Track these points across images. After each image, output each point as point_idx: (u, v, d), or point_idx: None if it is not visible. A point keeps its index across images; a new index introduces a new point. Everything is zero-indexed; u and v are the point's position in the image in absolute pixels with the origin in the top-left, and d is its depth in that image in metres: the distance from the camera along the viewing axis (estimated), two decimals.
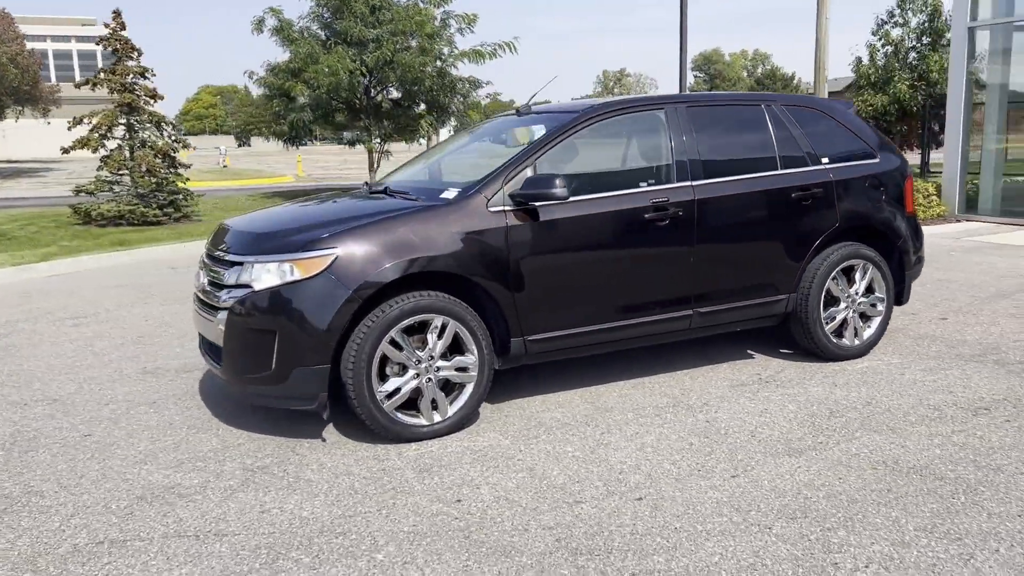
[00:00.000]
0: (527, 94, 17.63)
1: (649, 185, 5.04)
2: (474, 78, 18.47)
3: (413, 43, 17.37)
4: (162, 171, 14.96)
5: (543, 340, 4.78)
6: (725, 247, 5.23)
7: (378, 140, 18.39)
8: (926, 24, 23.70)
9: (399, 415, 4.44)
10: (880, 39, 24.41)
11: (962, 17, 12.28)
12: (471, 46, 18.35)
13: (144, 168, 14.67)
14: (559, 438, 4.48)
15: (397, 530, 3.50)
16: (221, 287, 4.53)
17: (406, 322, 4.38)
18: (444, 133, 21.12)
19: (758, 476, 3.93)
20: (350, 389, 4.33)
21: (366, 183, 5.93)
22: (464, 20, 18.27)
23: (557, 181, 4.52)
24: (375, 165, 18.85)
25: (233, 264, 4.51)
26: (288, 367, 4.29)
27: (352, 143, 19.31)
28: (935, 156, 24.40)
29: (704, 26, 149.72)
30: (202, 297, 4.76)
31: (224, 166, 42.19)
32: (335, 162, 46.20)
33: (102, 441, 4.63)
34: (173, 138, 15.59)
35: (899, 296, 5.98)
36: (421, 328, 4.46)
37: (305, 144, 19.89)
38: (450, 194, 4.72)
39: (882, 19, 24.52)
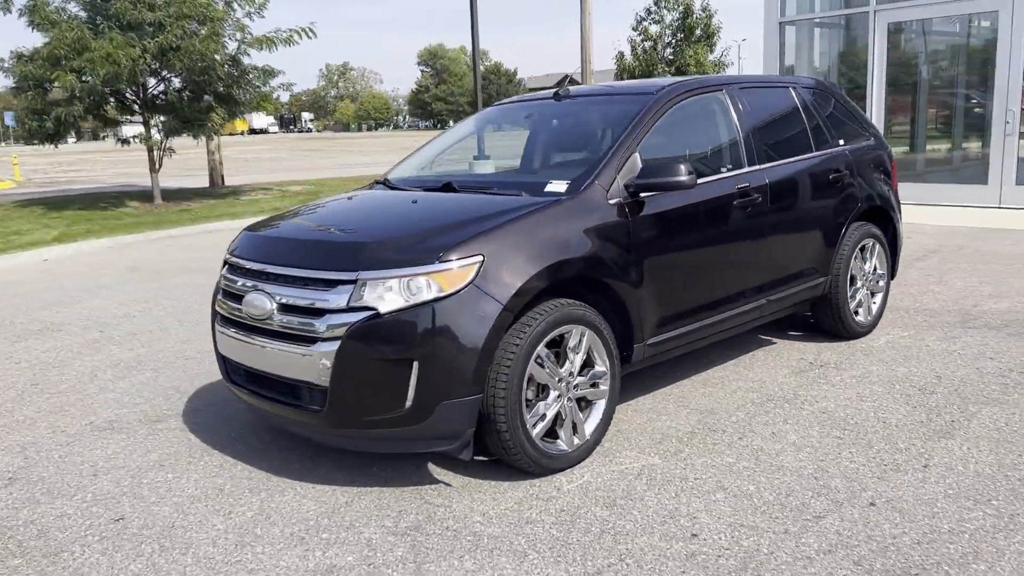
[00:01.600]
0: None
1: (729, 170, 4.79)
2: (269, 67, 17.01)
3: (202, 29, 15.62)
4: None
5: (660, 342, 4.36)
6: (787, 232, 5.11)
7: (160, 135, 16.35)
8: (679, 21, 25.57)
9: (546, 444, 3.83)
10: (640, 34, 25.97)
11: (774, 13, 13.27)
12: (262, 33, 16.88)
13: None
14: (705, 449, 4.09)
15: None
16: (318, 312, 3.62)
17: (550, 336, 3.77)
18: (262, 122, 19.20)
19: (947, 462, 3.83)
20: (500, 421, 3.64)
21: (385, 180, 5.08)
22: (250, 3, 16.76)
23: (682, 167, 4.11)
24: (156, 166, 16.73)
25: (337, 283, 3.61)
26: (431, 402, 3.51)
27: (126, 141, 16.96)
28: None
29: (428, 21, 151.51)
30: (271, 327, 3.78)
31: None
32: (71, 161, 40.68)
33: (156, 527, 3.53)
34: None
35: (893, 270, 6.24)
36: (555, 342, 3.86)
37: (65, 143, 17.21)
38: (559, 186, 4.14)
39: (640, 16, 26.10)
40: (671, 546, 3.19)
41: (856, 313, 5.80)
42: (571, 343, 3.87)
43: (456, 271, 3.52)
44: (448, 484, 3.83)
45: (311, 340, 3.64)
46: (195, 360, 5.95)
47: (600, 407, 4.05)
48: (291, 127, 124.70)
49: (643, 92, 4.74)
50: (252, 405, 4.12)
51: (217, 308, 4.20)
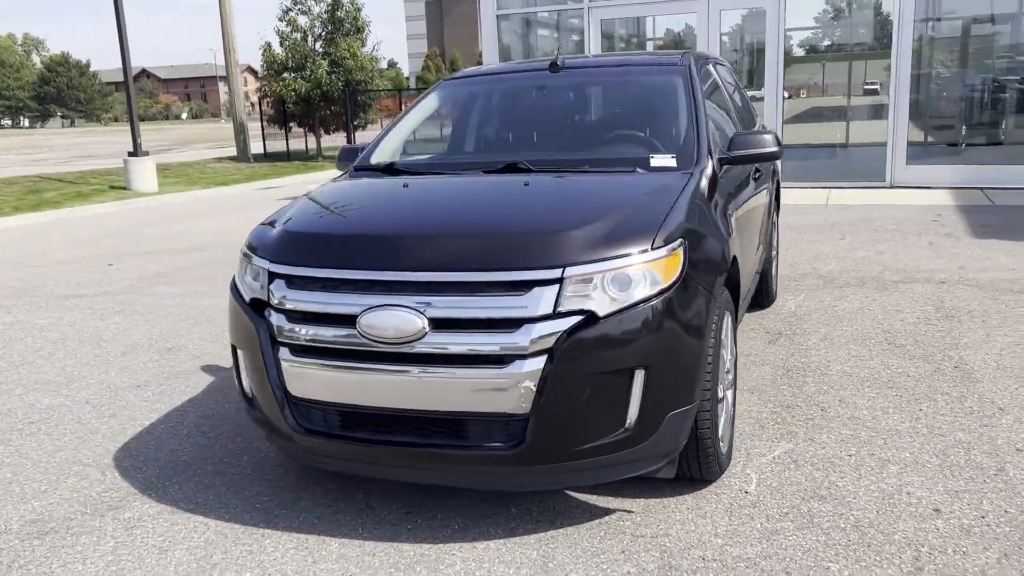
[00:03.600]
0: None
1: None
2: None
3: None
4: None
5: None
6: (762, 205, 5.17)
7: None
8: (328, 13, 24.87)
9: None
10: (288, 25, 24.80)
11: (491, 6, 13.47)
12: None
13: None
14: (816, 426, 3.99)
15: None
16: (510, 323, 2.81)
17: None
18: None
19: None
20: (706, 425, 3.17)
21: (389, 165, 4.10)
22: None
23: (770, 137, 3.93)
24: None
25: (531, 284, 2.83)
26: (658, 416, 2.93)
27: None
28: (359, 138, 26.00)
29: None
30: (418, 350, 2.87)
31: None
32: None
33: None
34: None
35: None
36: None
37: None
38: (665, 160, 3.71)
39: (287, 6, 24.92)
40: (934, 525, 3.04)
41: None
42: (724, 331, 3.51)
43: (669, 259, 2.98)
44: (629, 511, 3.26)
45: (499, 360, 2.83)
46: None
47: (729, 399, 3.73)
48: None
49: (668, 63, 4.47)
50: (368, 464, 3.12)
51: (286, 339, 3.08)
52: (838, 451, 3.68)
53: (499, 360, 2.83)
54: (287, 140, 25.63)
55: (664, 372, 2.91)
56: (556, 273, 2.83)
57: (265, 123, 26.08)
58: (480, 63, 38.51)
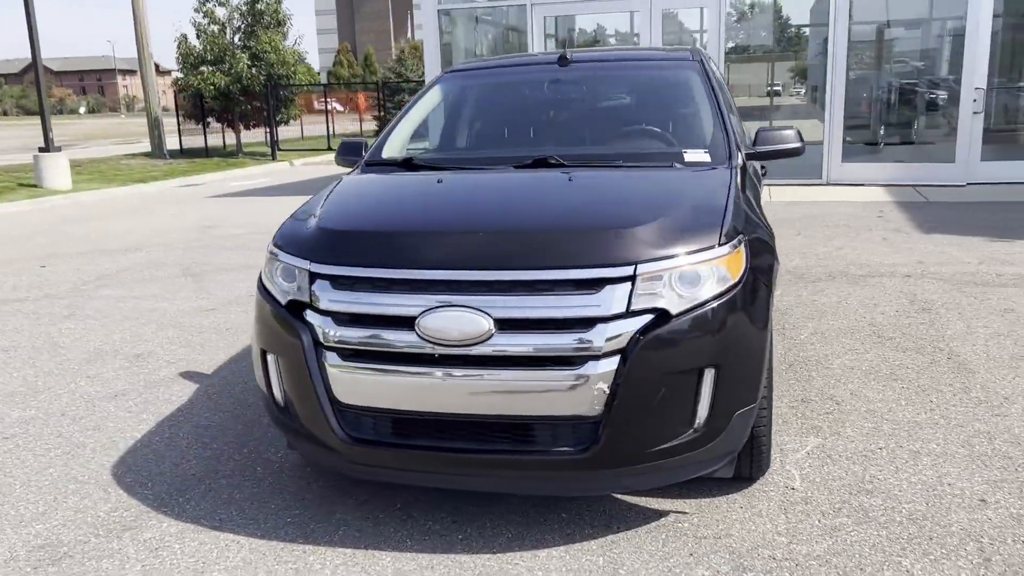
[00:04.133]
0: None
1: None
2: None
3: None
4: None
5: None
6: None
7: None
8: (248, 5, 24.12)
9: None
10: (205, 17, 23.94)
11: (432, 1, 13.27)
12: None
13: None
14: (835, 420, 4.02)
15: None
16: (582, 323, 2.71)
17: None
18: None
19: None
20: (763, 424, 3.14)
21: (406, 160, 3.92)
22: None
23: (792, 133, 3.94)
24: None
25: (602, 282, 2.73)
26: (727, 414, 2.88)
27: None
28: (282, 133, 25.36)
29: None
30: (483, 353, 2.74)
31: None
32: None
33: None
34: None
35: None
36: None
37: None
38: (699, 155, 3.66)
39: None
40: (985, 515, 3.09)
41: None
42: None
43: (734, 255, 2.93)
44: (683, 512, 3.20)
45: (570, 361, 2.73)
46: None
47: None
48: None
49: (679, 58, 4.44)
50: (424, 472, 2.96)
51: (333, 343, 2.90)
52: (867, 444, 3.71)
53: (570, 361, 2.72)
54: (205, 136, 24.75)
55: (733, 370, 2.86)
56: (629, 271, 2.74)
57: (181, 118, 25.13)
58: (401, 59, 38.12)
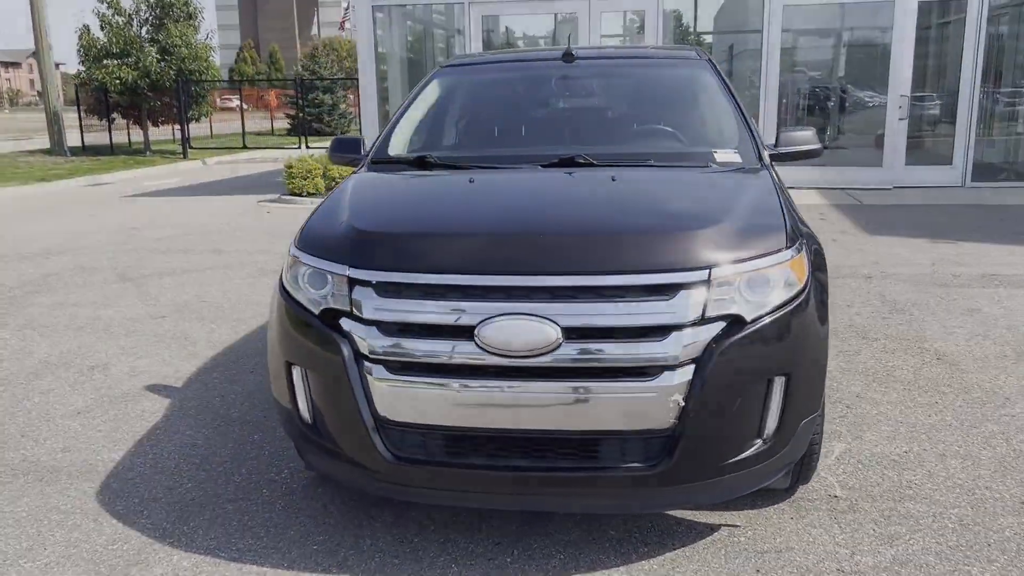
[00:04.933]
0: None
1: None
2: None
3: None
4: None
5: None
6: None
7: None
8: None
9: None
10: (110, 7, 22.80)
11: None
12: None
13: None
14: (854, 417, 3.99)
15: None
16: (657, 331, 2.55)
17: None
18: None
19: None
20: (818, 428, 3.04)
21: (422, 158, 3.65)
22: None
23: (812, 134, 3.88)
24: None
25: (676, 287, 2.57)
26: (794, 423, 2.77)
27: None
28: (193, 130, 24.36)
29: None
30: (548, 364, 2.55)
31: None
32: None
33: None
34: None
35: None
36: None
37: None
38: (730, 156, 3.56)
39: None
40: None
41: None
42: None
43: (798, 259, 2.82)
44: (734, 525, 3.08)
45: (643, 372, 2.57)
46: None
47: None
48: None
49: (686, 56, 4.33)
50: (478, 493, 2.74)
51: (380, 355, 2.65)
52: (892, 448, 3.68)
53: (643, 372, 2.56)
54: (110, 133, 23.56)
55: (800, 378, 2.75)
56: (703, 275, 2.60)
57: (83, 113, 23.85)
58: (315, 56, 37.18)
